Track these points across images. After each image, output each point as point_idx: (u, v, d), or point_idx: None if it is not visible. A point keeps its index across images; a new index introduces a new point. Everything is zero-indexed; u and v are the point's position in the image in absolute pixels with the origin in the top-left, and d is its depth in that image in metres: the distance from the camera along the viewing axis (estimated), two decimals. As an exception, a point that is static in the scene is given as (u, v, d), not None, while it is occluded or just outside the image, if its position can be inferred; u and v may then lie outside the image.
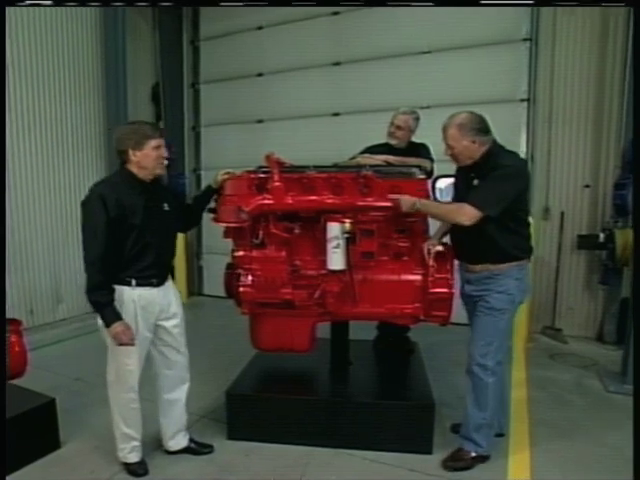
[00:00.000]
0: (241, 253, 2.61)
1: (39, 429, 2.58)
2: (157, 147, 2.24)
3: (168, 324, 2.41)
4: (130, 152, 2.21)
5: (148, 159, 2.23)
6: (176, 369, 2.50)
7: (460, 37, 4.85)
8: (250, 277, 2.55)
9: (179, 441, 2.61)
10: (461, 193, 2.44)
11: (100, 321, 2.21)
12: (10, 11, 4.40)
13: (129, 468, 2.45)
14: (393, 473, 2.45)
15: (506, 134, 4.41)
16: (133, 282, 2.25)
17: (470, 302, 2.50)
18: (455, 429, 2.74)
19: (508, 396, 2.84)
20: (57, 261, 5.10)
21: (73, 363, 3.92)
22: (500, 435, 2.67)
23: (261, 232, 2.52)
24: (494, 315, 2.37)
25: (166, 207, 2.38)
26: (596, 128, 4.50)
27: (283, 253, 2.54)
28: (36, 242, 4.89)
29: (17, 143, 4.65)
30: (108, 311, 2.16)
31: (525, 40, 4.69)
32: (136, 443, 2.44)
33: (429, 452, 2.58)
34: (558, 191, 4.70)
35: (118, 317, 2.16)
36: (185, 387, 2.57)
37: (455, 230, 2.47)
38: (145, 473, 2.44)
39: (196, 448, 2.63)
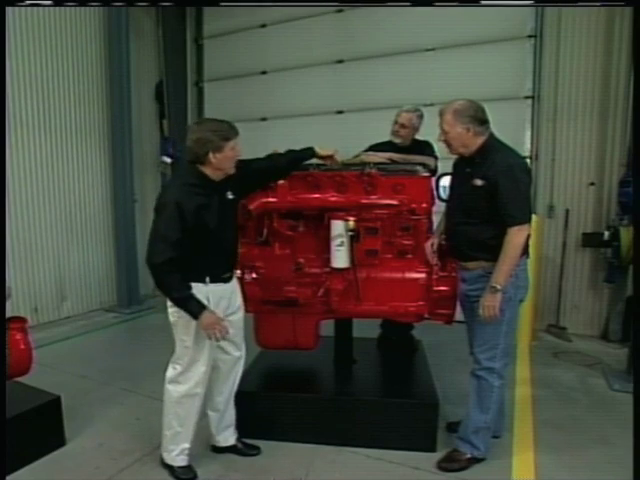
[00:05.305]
0: (245, 251, 2.61)
1: (44, 426, 2.58)
2: (234, 147, 2.14)
3: (234, 318, 2.37)
4: (210, 155, 2.09)
5: (227, 161, 2.14)
6: (232, 363, 2.47)
7: (464, 34, 4.83)
8: (254, 275, 2.56)
9: (227, 437, 2.56)
10: (457, 191, 2.43)
11: (172, 317, 2.23)
12: (14, 11, 4.42)
13: (175, 473, 2.36)
14: (397, 471, 2.45)
15: (510, 131, 4.40)
16: (207, 279, 2.20)
17: (467, 302, 2.43)
18: (450, 428, 2.72)
19: (506, 397, 2.79)
20: (61, 259, 5.14)
21: (78, 361, 3.95)
22: (495, 437, 2.60)
23: (265, 230, 2.53)
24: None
25: (229, 196, 2.26)
26: (601, 125, 4.48)
27: (287, 251, 2.55)
28: (41, 241, 4.92)
29: (22, 142, 4.67)
30: (193, 303, 2.10)
31: (530, 37, 4.68)
32: (187, 445, 2.36)
33: (433, 450, 2.57)
34: (563, 189, 4.68)
35: (204, 306, 2.12)
36: (237, 379, 2.54)
37: (449, 228, 2.46)
38: (194, 478, 2.37)
39: (242, 449, 2.58)
